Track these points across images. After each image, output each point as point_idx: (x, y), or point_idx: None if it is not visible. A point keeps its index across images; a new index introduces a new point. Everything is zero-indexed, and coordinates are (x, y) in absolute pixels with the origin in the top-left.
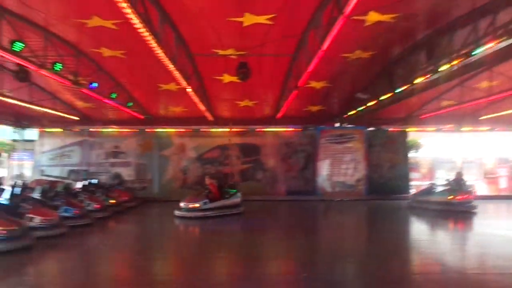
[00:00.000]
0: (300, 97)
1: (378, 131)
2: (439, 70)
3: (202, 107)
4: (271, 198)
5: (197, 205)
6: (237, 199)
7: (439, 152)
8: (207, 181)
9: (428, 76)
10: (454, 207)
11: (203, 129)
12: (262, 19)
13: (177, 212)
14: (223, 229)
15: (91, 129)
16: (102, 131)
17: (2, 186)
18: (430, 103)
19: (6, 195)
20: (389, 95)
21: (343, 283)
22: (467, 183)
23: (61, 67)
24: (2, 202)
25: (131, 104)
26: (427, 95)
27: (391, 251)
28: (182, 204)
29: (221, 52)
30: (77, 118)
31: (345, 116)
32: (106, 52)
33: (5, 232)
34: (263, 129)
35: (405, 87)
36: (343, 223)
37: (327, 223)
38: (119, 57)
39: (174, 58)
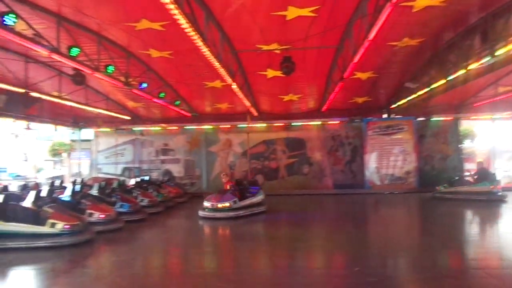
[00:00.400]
0: (345, 88)
1: (428, 121)
2: (495, 54)
3: (247, 103)
4: (318, 192)
5: (227, 204)
6: (261, 196)
7: (497, 141)
8: (223, 178)
9: (483, 61)
10: (492, 196)
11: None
12: (305, 12)
13: (202, 213)
14: (268, 224)
15: (142, 128)
16: (152, 130)
17: (63, 184)
18: (485, 89)
19: (68, 192)
20: (440, 82)
21: (397, 278)
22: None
23: (113, 69)
24: (64, 199)
25: (178, 102)
26: (482, 81)
27: (446, 244)
28: (208, 204)
29: (264, 47)
30: (128, 118)
31: (393, 106)
32: (154, 53)
33: (69, 226)
34: (308, 123)
35: (458, 73)
36: (393, 216)
37: (377, 217)
38: (166, 57)
39: (219, 56)
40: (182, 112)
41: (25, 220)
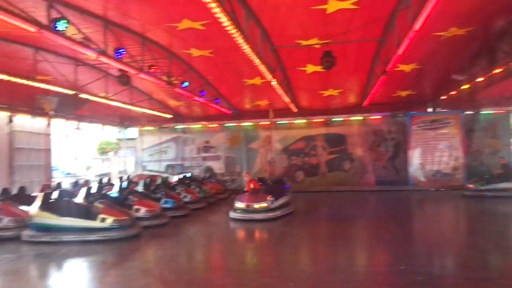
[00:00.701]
0: (388, 82)
1: (477, 115)
2: None
3: (286, 99)
4: (359, 188)
5: (264, 204)
6: (290, 195)
7: None
8: (246, 177)
9: None
10: None
11: (288, 120)
12: (346, 4)
13: (234, 215)
14: (308, 221)
15: (183, 126)
16: (193, 127)
17: (111, 181)
18: None
19: (115, 188)
20: (491, 73)
21: (446, 278)
22: None
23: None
24: (112, 195)
25: (219, 100)
26: None
27: (495, 243)
28: (241, 205)
29: (304, 42)
30: (170, 116)
31: (438, 100)
32: (195, 52)
33: (118, 221)
34: (349, 118)
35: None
36: (439, 214)
37: (422, 214)
38: (206, 56)
39: (259, 53)
40: (223, 109)
41: (78, 215)
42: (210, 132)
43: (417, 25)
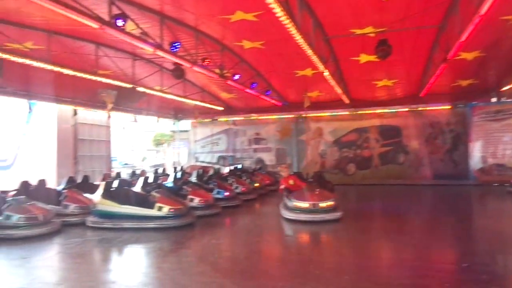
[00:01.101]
0: (448, 71)
1: None
2: None
3: (338, 90)
4: (414, 182)
5: (331, 203)
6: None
7: None
8: (283, 171)
9: None
10: None
11: (339, 112)
12: None
13: (292, 215)
14: (362, 215)
15: (234, 118)
16: (244, 119)
17: (166, 172)
18: None
19: (170, 179)
20: None
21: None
22: None
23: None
24: (167, 185)
25: (269, 92)
26: None
27: None
28: (304, 204)
29: (358, 31)
30: (222, 108)
31: (504, 89)
32: (247, 44)
33: (174, 210)
34: (404, 109)
35: None
36: (503, 210)
37: (484, 210)
38: (258, 48)
39: (311, 43)
40: (273, 101)
41: (136, 203)
42: (261, 124)
43: (483, 9)
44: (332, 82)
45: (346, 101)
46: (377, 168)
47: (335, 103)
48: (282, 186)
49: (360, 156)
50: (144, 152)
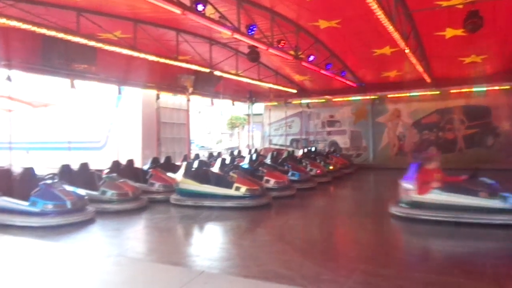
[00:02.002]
0: None
1: None
2: None
3: (420, 68)
4: (505, 167)
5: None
6: None
7: None
8: (431, 164)
9: None
10: None
11: (420, 92)
12: None
13: (405, 211)
14: None
15: (308, 100)
16: (318, 102)
17: (241, 154)
18: None
19: (246, 160)
20: None
21: None
22: None
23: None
24: (244, 166)
25: (344, 73)
26: None
27: None
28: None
29: (444, 3)
30: (295, 91)
31: None
32: (323, 23)
33: (250, 190)
34: (494, 88)
35: None
36: None
37: None
38: (334, 27)
39: (392, 19)
40: (348, 82)
41: (215, 183)
42: (335, 106)
43: None
44: (413, 60)
45: (428, 80)
46: (461, 152)
47: (415, 83)
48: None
49: (443, 139)
50: (219, 135)
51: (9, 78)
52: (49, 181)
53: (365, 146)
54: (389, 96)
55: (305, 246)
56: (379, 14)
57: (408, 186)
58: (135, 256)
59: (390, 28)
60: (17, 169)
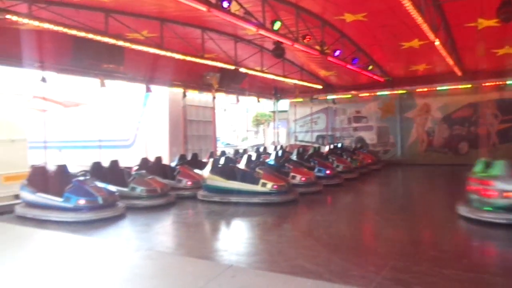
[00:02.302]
0: None
1: None
2: None
3: (450, 61)
4: None
5: None
6: None
7: None
8: None
9: None
10: None
11: (450, 86)
12: None
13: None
14: None
15: (334, 96)
16: (343, 97)
17: (267, 151)
18: None
19: (272, 157)
20: None
21: None
22: None
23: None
24: (270, 162)
25: (371, 67)
26: None
27: None
28: None
29: None
30: (320, 87)
31: None
32: (349, 17)
33: (277, 187)
34: None
35: None
36: None
37: None
38: (360, 20)
39: (421, 10)
40: (375, 77)
41: (242, 179)
42: (361, 101)
43: None
44: (444, 52)
45: (459, 73)
46: (494, 147)
47: (445, 76)
48: None
49: (474, 134)
50: (244, 133)
51: (43, 79)
52: (81, 178)
53: (393, 142)
54: (417, 90)
55: (333, 242)
56: (408, 5)
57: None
58: (164, 250)
59: (419, 20)
60: (51, 166)
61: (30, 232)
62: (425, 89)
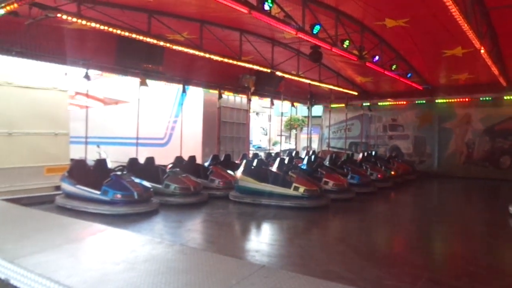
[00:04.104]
0: None
1: None
2: None
3: (495, 70)
4: None
5: None
6: None
7: None
8: None
9: None
10: None
11: (494, 96)
12: None
13: None
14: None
15: (369, 103)
16: (380, 105)
17: (299, 155)
18: None
19: (304, 161)
20: None
21: None
22: None
23: (348, 44)
24: (302, 167)
25: (410, 74)
26: None
27: None
28: None
29: None
30: (356, 93)
31: None
32: (390, 22)
33: (309, 191)
34: None
35: None
36: None
37: None
38: (402, 26)
39: (468, 16)
40: (414, 84)
41: (274, 182)
42: (398, 109)
43: None
44: (489, 61)
45: (504, 83)
46: None
47: (489, 86)
48: None
49: None
50: (275, 136)
51: (87, 77)
52: (119, 173)
53: (429, 153)
54: (458, 100)
55: (366, 249)
56: (454, 11)
57: None
58: (198, 247)
59: (465, 27)
60: (90, 161)
61: (69, 221)
62: (467, 99)
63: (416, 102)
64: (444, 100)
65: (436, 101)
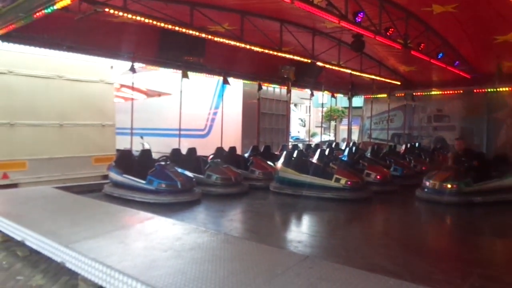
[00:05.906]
0: None
1: None
2: None
3: None
4: None
5: None
6: None
7: None
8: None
9: None
10: None
11: None
12: None
13: None
14: None
15: (414, 93)
16: (424, 94)
17: (339, 147)
18: None
19: (345, 153)
20: None
21: None
22: None
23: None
24: (343, 158)
25: (457, 63)
26: None
27: None
28: None
29: None
30: (399, 83)
31: None
32: (437, 8)
33: (351, 183)
34: None
35: None
36: None
37: None
38: (450, 12)
39: None
40: (461, 73)
41: (315, 174)
42: (443, 99)
43: None
44: None
45: None
46: None
47: None
48: None
49: None
50: (313, 128)
51: (133, 69)
52: (163, 163)
53: (477, 144)
54: (510, 89)
55: (412, 243)
56: None
57: None
58: (240, 236)
59: None
60: (135, 151)
61: (117, 209)
62: None
63: (463, 91)
64: (494, 89)
65: (486, 90)
